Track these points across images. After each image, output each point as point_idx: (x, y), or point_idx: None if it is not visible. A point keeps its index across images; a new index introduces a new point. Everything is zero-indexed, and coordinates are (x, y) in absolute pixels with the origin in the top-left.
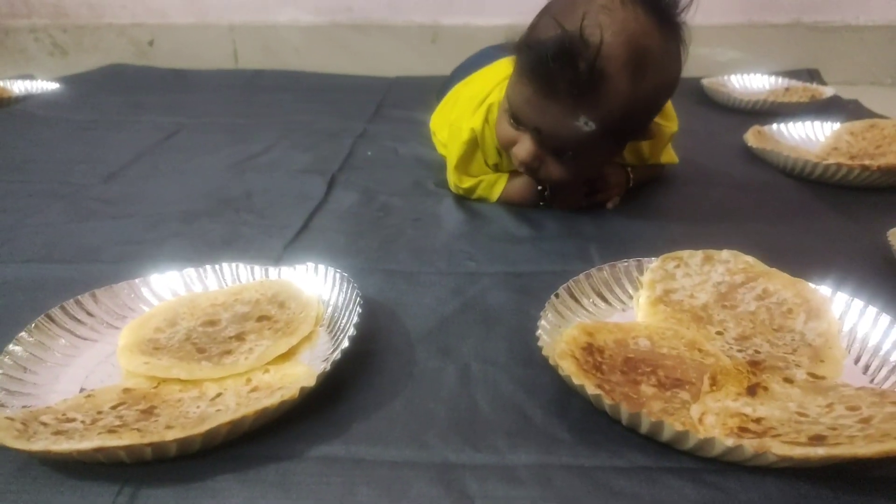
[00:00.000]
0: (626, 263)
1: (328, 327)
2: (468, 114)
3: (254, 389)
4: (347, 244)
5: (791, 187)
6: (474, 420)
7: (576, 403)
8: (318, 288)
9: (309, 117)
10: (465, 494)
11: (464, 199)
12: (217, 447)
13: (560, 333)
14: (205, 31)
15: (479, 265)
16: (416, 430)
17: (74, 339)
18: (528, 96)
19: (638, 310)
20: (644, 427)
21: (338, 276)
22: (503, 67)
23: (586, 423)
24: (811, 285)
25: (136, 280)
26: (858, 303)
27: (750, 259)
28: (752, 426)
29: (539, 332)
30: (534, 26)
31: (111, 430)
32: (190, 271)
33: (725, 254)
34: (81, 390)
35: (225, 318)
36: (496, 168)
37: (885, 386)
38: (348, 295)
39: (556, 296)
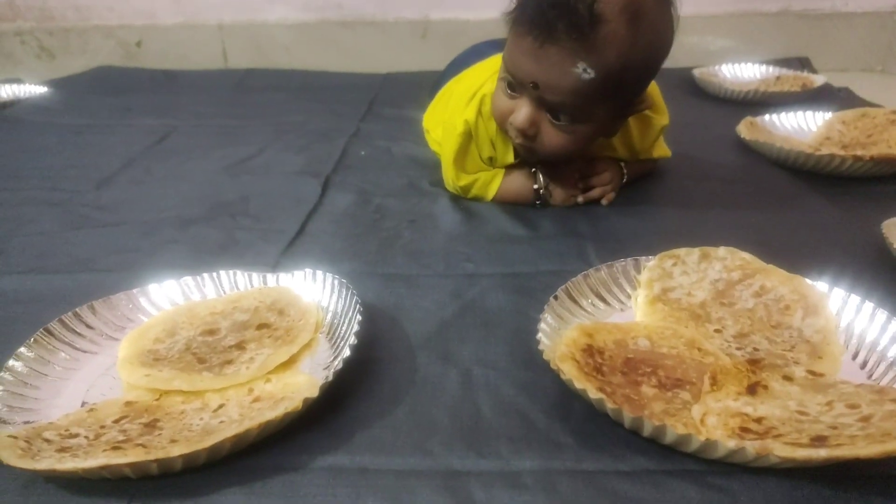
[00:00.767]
0: (623, 263)
1: (328, 334)
2: (461, 108)
3: (256, 399)
4: (344, 248)
5: (785, 178)
6: (477, 426)
7: (578, 406)
8: (317, 294)
9: (301, 117)
10: (472, 502)
11: (459, 199)
12: (221, 459)
13: (560, 336)
14: (193, 30)
15: (476, 266)
16: (419, 437)
17: (74, 353)
18: (526, 48)
19: (636, 309)
20: (647, 430)
21: (336, 282)
22: (495, 63)
23: (589, 426)
24: (808, 281)
25: (135, 290)
26: (855, 298)
27: (747, 256)
28: (753, 426)
29: (539, 335)
30: None
31: (115, 446)
32: (188, 280)
33: (722, 251)
34: (83, 404)
35: (224, 327)
36: (490, 161)
37: (884, 382)
38: (347, 301)
39: (555, 298)
